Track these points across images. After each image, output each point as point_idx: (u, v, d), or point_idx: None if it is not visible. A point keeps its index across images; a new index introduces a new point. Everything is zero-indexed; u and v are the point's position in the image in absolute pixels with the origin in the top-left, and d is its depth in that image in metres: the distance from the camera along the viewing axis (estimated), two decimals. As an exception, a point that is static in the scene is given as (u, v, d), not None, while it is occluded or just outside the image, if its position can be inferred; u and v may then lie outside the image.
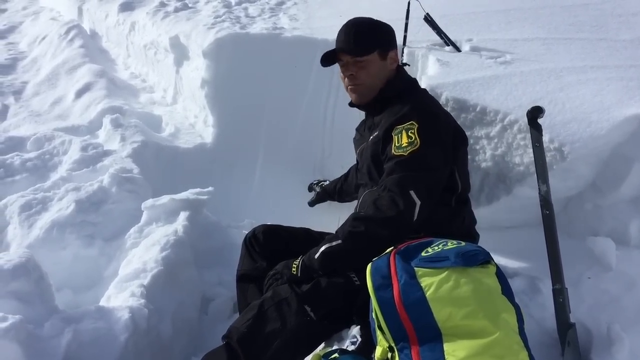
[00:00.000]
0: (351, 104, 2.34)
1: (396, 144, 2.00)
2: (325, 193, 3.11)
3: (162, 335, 2.36)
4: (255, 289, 2.27)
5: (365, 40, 2.16)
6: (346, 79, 2.22)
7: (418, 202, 1.90)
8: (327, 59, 2.24)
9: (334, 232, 2.05)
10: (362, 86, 2.20)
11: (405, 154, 1.96)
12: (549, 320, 2.05)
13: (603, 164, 2.44)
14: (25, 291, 2.13)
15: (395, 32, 2.30)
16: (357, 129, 2.52)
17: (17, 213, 3.19)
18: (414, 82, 2.33)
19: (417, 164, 1.95)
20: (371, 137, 2.19)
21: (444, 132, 2.07)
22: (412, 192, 1.90)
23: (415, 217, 1.90)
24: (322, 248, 1.98)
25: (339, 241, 1.95)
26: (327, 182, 3.17)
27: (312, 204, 3.21)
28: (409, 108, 2.06)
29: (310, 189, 3.32)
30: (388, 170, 2.01)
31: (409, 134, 1.98)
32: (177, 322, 2.49)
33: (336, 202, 3.05)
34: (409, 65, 3.16)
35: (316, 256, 1.97)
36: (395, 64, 2.26)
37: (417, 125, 1.99)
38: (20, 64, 6.67)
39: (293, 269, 2.01)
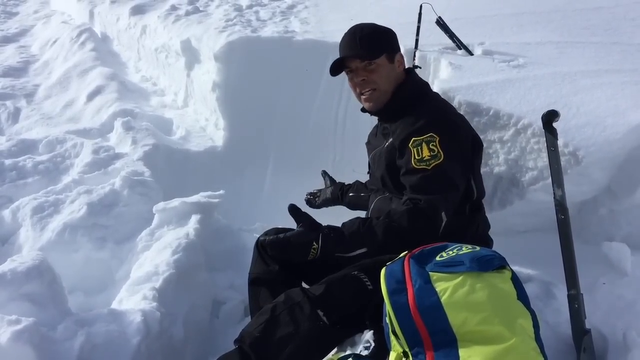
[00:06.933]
0: (363, 110, 2.32)
1: (417, 157, 1.97)
2: (339, 198, 2.79)
3: (174, 339, 2.36)
4: (267, 293, 2.25)
5: (372, 44, 2.15)
6: (357, 87, 2.21)
7: (445, 220, 1.92)
8: (336, 69, 2.22)
9: None
10: (376, 92, 2.17)
11: (429, 168, 1.94)
12: (563, 326, 2.03)
13: (618, 168, 2.42)
14: (38, 293, 2.13)
15: (407, 36, 2.29)
16: (370, 134, 2.50)
17: (29, 215, 3.20)
18: (425, 85, 2.30)
19: (442, 180, 1.95)
20: (386, 144, 2.17)
21: (464, 143, 2.06)
22: (443, 214, 1.92)
23: (440, 232, 1.92)
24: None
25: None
26: (343, 184, 2.84)
27: (318, 206, 2.89)
28: (426, 119, 2.03)
29: (324, 176, 2.99)
30: (413, 185, 1.98)
31: (431, 146, 1.96)
32: (188, 326, 2.48)
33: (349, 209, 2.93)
34: (420, 67, 3.13)
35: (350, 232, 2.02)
36: (403, 67, 2.24)
37: (438, 138, 1.96)
38: (31, 67, 6.72)
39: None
